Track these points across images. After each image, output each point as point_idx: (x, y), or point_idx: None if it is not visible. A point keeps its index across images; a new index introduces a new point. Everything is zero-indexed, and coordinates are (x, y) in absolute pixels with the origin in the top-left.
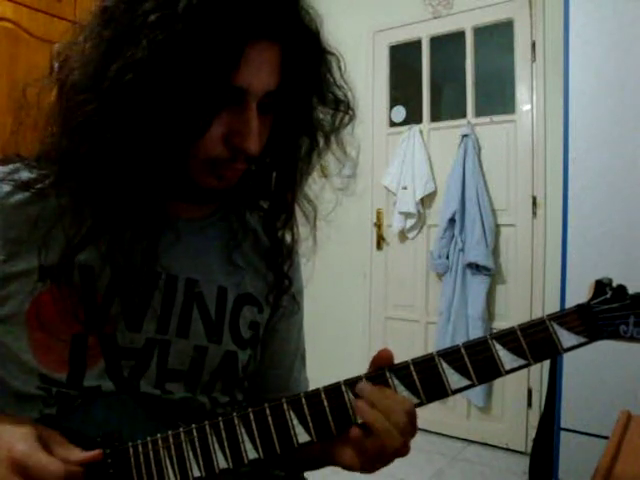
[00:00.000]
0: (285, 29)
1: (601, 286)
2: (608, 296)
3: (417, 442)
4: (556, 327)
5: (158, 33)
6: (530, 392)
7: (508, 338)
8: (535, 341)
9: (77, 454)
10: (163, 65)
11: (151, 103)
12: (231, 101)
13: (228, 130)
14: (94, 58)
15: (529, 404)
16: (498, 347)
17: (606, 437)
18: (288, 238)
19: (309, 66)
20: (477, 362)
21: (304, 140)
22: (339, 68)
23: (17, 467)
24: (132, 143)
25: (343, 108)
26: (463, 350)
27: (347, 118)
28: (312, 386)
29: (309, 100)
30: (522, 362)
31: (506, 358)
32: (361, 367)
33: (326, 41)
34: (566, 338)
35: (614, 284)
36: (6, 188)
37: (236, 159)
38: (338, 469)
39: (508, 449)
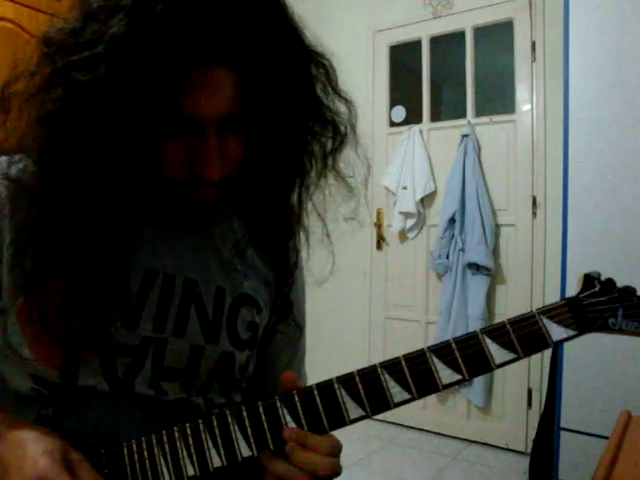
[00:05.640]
0: (237, 53)
1: (590, 280)
2: (597, 289)
3: (417, 442)
4: (545, 320)
5: (99, 63)
6: (530, 392)
7: (498, 332)
8: (525, 334)
9: None
10: (105, 93)
11: (99, 125)
12: (186, 128)
13: (188, 156)
14: (40, 87)
15: (529, 404)
16: (488, 341)
17: (606, 437)
18: (292, 257)
19: (274, 86)
20: (467, 357)
21: (295, 160)
22: (328, 81)
23: None
24: (93, 157)
25: (330, 131)
26: (454, 345)
27: (337, 142)
28: None
29: (286, 119)
30: (512, 356)
31: (496, 352)
32: (361, 367)
33: (305, 53)
34: (555, 331)
35: (603, 278)
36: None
37: (202, 183)
38: None
39: (508, 449)
